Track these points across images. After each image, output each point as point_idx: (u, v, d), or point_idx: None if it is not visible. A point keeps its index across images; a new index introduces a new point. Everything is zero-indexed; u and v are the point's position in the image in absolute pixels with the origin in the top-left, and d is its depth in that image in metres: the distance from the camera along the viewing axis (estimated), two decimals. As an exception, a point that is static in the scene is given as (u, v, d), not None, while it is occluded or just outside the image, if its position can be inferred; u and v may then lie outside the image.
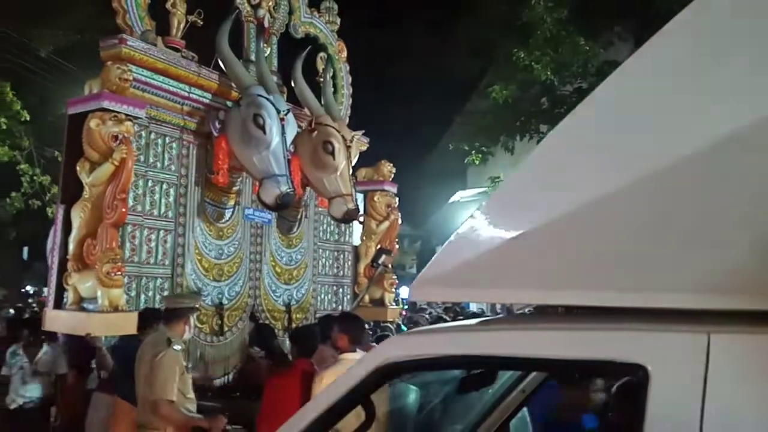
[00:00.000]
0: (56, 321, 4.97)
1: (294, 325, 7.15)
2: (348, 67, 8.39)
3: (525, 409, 2.58)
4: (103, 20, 11.16)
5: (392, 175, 8.72)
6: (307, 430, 1.46)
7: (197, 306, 4.44)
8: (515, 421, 2.62)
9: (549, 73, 9.45)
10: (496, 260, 1.25)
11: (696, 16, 1.16)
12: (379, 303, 8.15)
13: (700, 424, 1.00)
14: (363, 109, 8.71)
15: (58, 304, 4.94)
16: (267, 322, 6.73)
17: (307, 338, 4.10)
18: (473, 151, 11.26)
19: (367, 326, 6.09)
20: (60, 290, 4.95)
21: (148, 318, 4.72)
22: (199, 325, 6.01)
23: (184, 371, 3.97)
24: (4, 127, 12.44)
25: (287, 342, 6.94)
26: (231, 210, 6.52)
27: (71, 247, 4.84)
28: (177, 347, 3.92)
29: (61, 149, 12.68)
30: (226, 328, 6.27)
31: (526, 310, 1.73)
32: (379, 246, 8.32)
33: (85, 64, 10.85)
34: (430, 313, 9.72)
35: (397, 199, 8.70)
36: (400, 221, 8.65)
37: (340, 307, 8.11)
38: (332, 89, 7.79)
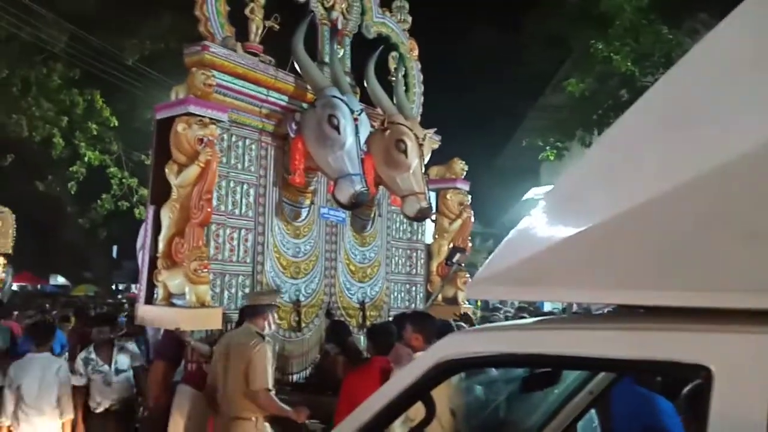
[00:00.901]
0: (147, 316, 5.29)
1: (368, 323, 7.27)
2: (419, 66, 8.43)
3: (593, 411, 2.53)
4: (185, 29, 11.75)
5: (464, 173, 8.69)
6: (368, 424, 1.50)
7: (276, 303, 4.61)
8: (583, 423, 2.58)
9: (629, 63, 9.12)
10: (554, 258, 1.23)
11: (760, 5, 1.12)
12: (452, 301, 8.14)
13: (767, 428, 0.96)
14: (434, 107, 8.73)
15: (149, 299, 5.24)
16: (342, 319, 6.88)
17: (384, 336, 4.16)
18: (548, 147, 11.03)
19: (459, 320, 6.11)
20: (150, 287, 5.25)
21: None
22: (278, 321, 6.22)
23: (272, 364, 4.19)
24: (95, 132, 13.27)
25: (362, 339, 7.10)
26: (307, 209, 6.71)
27: (161, 245, 5.13)
28: (269, 340, 4.16)
29: (148, 153, 13.41)
30: (303, 325, 6.46)
31: (605, 310, 1.71)
32: (452, 244, 8.32)
33: (167, 71, 11.42)
34: (506, 313, 9.60)
35: (469, 197, 8.67)
36: (473, 219, 8.62)
37: (413, 305, 8.16)
38: (404, 88, 7.85)
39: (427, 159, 7.44)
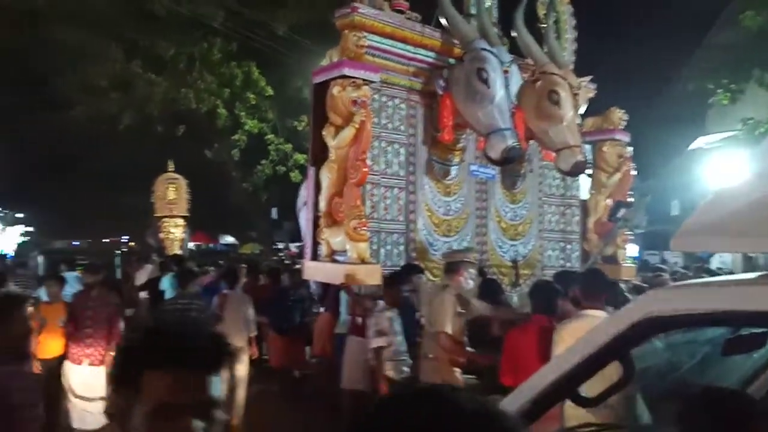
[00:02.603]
0: (313, 271, 5.62)
1: (521, 281, 7.16)
2: (572, 9, 7.89)
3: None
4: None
5: (623, 123, 8.12)
6: (560, 381, 1.44)
7: (469, 260, 4.81)
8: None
9: (822, -13, 7.86)
10: None
11: None
12: (612, 260, 7.72)
13: None
14: (589, 53, 8.16)
15: (314, 256, 5.56)
16: (495, 277, 6.81)
17: (547, 294, 4.06)
18: (719, 90, 9.89)
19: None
20: (314, 244, 5.56)
21: (409, 271, 5.30)
22: (432, 279, 6.33)
23: (457, 314, 4.41)
24: (253, 102, 14.13)
25: (514, 297, 6.99)
26: (456, 167, 6.66)
27: (322, 205, 5.39)
28: (452, 292, 4.44)
29: (300, 119, 14.02)
30: (456, 282, 6.49)
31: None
32: (610, 199, 7.86)
33: (316, 38, 11.76)
34: (674, 274, 8.90)
35: (629, 148, 8.10)
36: (633, 172, 8.06)
37: (568, 264, 7.87)
38: (555, 35, 7.39)
39: (582, 109, 7.02)
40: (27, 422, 2.41)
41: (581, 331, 1.67)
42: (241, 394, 5.60)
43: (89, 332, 5.23)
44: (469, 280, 4.69)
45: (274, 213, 19.01)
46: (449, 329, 4.30)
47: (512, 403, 1.41)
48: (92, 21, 12.68)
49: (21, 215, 35.20)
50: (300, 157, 14.25)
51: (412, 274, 5.25)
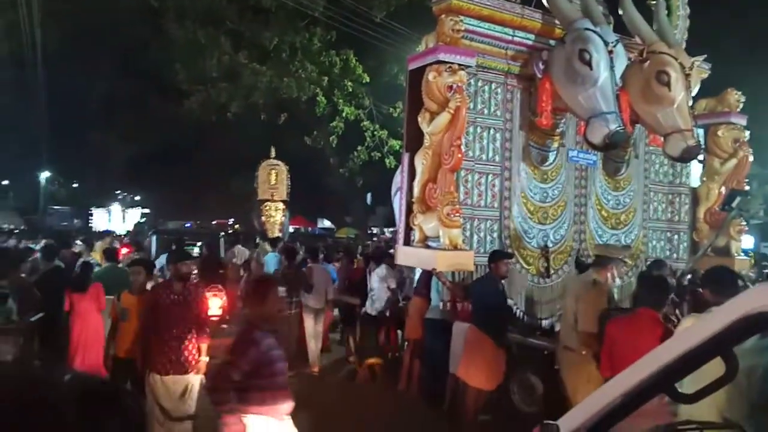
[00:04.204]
0: (406, 256, 5.67)
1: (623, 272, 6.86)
2: (686, -17, 7.38)
3: None
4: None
5: (740, 105, 7.53)
6: (656, 375, 1.39)
7: (623, 258, 4.77)
8: None
9: None
10: None
11: None
12: (724, 252, 7.22)
13: None
14: (703, 30, 7.59)
15: (407, 241, 5.61)
16: (594, 267, 6.57)
17: (655, 288, 3.87)
18: None
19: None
20: (407, 229, 5.60)
21: (500, 257, 5.15)
22: (526, 267, 6.21)
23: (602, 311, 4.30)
24: (350, 89, 14.34)
25: (614, 290, 6.71)
26: (554, 152, 6.45)
27: (416, 190, 5.41)
28: (602, 289, 4.36)
29: (395, 105, 14.09)
30: (552, 271, 6.33)
31: None
32: (724, 187, 7.34)
33: (412, 24, 11.76)
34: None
35: (746, 132, 7.50)
36: (750, 158, 7.46)
37: (675, 255, 7.45)
38: (666, 11, 6.95)
39: (694, 91, 6.57)
40: (284, 385, 2.99)
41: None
42: (318, 345, 7.06)
43: (174, 333, 4.22)
44: (617, 278, 4.62)
45: (368, 198, 19.27)
46: (592, 328, 4.22)
47: (601, 396, 1.38)
48: (204, 16, 13.38)
49: (138, 198, 38.08)
50: (395, 143, 14.35)
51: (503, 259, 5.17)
